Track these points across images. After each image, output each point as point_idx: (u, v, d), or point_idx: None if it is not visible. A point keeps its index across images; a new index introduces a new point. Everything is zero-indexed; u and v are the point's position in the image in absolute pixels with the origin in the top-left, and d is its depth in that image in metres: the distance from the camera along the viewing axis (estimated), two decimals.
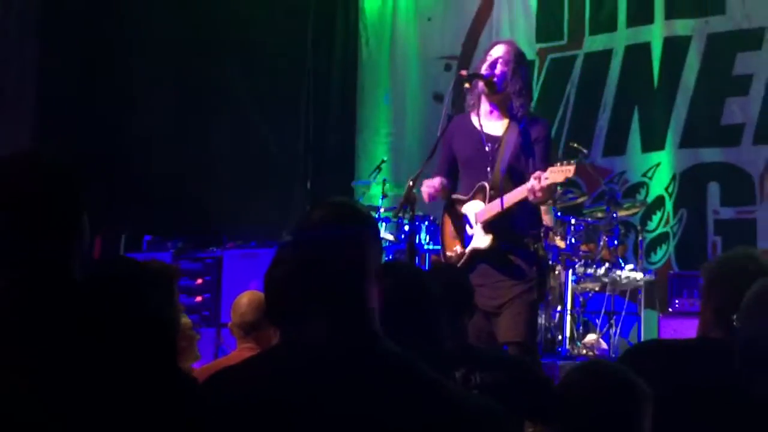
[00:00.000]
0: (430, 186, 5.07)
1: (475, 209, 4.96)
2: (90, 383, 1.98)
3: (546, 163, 4.81)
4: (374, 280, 2.02)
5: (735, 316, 2.27)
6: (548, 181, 4.58)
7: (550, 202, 7.43)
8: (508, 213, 4.82)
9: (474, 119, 5.05)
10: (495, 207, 4.83)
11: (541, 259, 5.00)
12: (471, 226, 4.98)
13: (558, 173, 4.58)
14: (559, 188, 7.57)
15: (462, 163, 5.12)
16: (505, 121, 5.00)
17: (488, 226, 4.89)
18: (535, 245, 4.95)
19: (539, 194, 4.64)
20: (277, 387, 1.86)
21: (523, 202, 4.80)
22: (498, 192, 4.85)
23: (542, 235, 5.19)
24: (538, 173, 4.62)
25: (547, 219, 7.50)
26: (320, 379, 1.85)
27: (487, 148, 4.95)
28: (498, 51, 5.01)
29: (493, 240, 4.87)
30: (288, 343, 2.03)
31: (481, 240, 4.91)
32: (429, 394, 1.86)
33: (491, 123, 5.04)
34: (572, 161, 4.54)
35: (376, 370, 1.88)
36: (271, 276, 3.14)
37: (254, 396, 1.87)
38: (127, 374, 2.04)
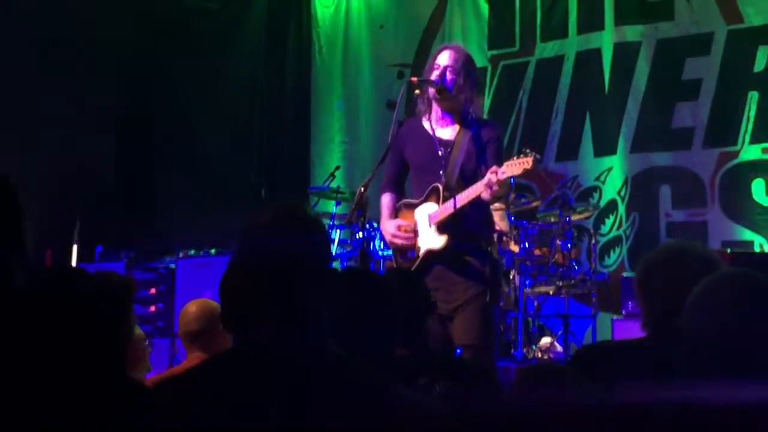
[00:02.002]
0: (399, 236, 5.06)
1: (428, 211, 4.96)
2: (29, 396, 1.95)
3: (499, 163, 4.80)
4: (322, 285, 2.01)
5: (676, 319, 2.26)
6: (505, 175, 4.58)
7: (503, 206, 7.50)
8: (462, 214, 4.82)
9: (426, 124, 5.05)
10: (449, 207, 4.84)
11: (495, 261, 4.99)
12: (424, 229, 4.97)
13: (515, 166, 4.58)
14: (512, 193, 7.70)
15: (414, 168, 5.12)
16: (457, 127, 5.01)
17: (442, 227, 4.89)
18: (489, 247, 4.95)
19: (495, 188, 4.62)
20: (219, 393, 1.85)
21: (476, 204, 4.80)
22: (452, 193, 4.85)
23: (495, 238, 5.19)
24: (494, 168, 4.62)
25: (502, 224, 7.54)
26: (262, 385, 1.84)
27: (440, 153, 4.95)
28: (445, 58, 5.00)
29: (447, 240, 4.86)
30: (234, 350, 2.02)
31: (435, 241, 4.90)
32: (371, 398, 1.85)
33: (443, 128, 5.04)
34: (529, 153, 4.53)
35: (319, 375, 1.87)
36: (222, 283, 3.13)
37: (197, 403, 1.85)
38: (70, 385, 2.01)
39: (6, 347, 1.97)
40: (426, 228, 4.95)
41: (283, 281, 1.97)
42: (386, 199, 5.15)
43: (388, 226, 5.08)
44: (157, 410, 1.88)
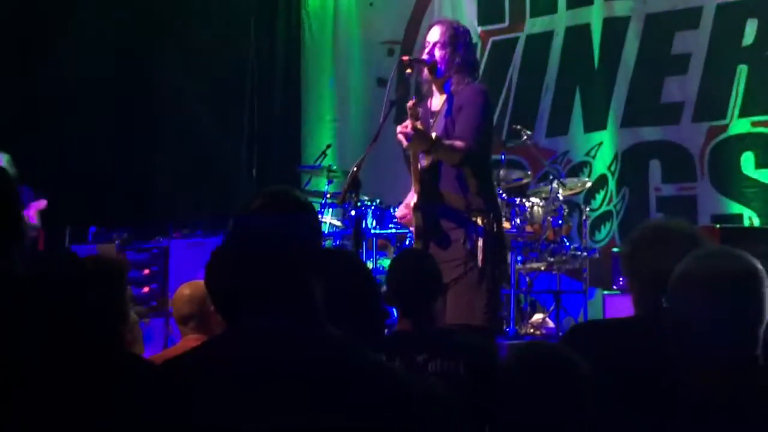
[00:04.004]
0: (402, 218, 5.06)
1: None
2: (34, 378, 1.98)
3: (470, 126, 4.76)
4: (314, 267, 2.03)
5: (663, 298, 2.29)
6: (410, 126, 4.58)
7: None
8: (432, 175, 4.80)
9: (429, 102, 5.07)
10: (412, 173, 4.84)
11: (490, 234, 4.78)
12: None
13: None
14: (503, 170, 7.71)
15: None
16: (444, 95, 5.00)
17: (418, 195, 4.83)
18: (483, 219, 4.78)
19: (404, 140, 4.63)
20: (221, 375, 1.88)
21: (451, 170, 4.77)
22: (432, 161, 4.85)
23: (495, 208, 5.01)
24: (406, 122, 4.62)
25: None
26: (263, 367, 1.87)
27: (429, 124, 4.94)
28: (434, 35, 5.00)
29: (417, 199, 4.80)
30: (231, 333, 2.05)
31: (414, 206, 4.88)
32: (371, 379, 1.87)
33: (436, 101, 5.04)
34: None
35: (319, 356, 1.89)
36: (210, 267, 3.15)
37: (199, 384, 1.88)
38: (72, 367, 2.04)
39: (8, 332, 2.00)
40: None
41: (275, 264, 1.99)
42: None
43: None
44: (155, 392, 1.91)
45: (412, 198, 4.92)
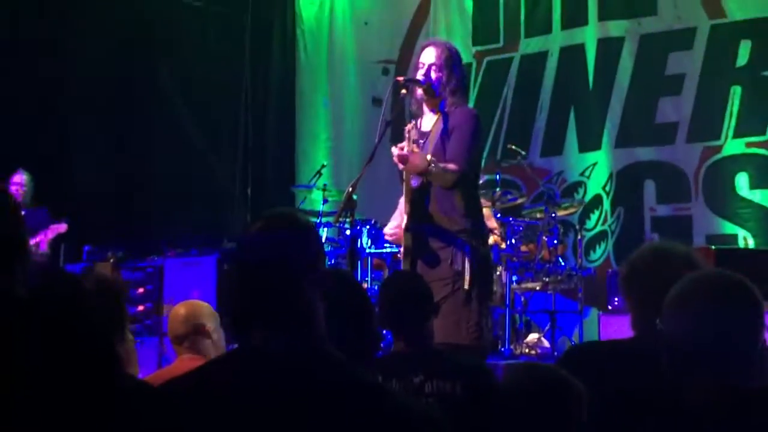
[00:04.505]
0: (388, 233, 5.07)
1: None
2: (32, 397, 1.97)
3: (462, 149, 4.79)
4: (317, 287, 2.03)
5: (658, 320, 2.28)
6: (407, 148, 4.61)
7: (489, 203, 7.53)
8: (423, 197, 4.81)
9: (419, 123, 5.07)
10: (404, 194, 4.86)
11: (477, 254, 4.80)
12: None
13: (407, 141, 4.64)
14: (498, 190, 7.73)
15: None
16: (435, 116, 5.01)
17: (408, 216, 4.85)
18: (471, 240, 4.80)
19: (400, 162, 4.68)
20: (219, 397, 1.87)
21: (442, 191, 4.79)
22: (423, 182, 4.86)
23: (481, 229, 5.06)
24: (402, 144, 4.66)
25: (490, 222, 7.58)
26: (262, 389, 1.86)
27: (419, 145, 4.95)
28: (429, 56, 5.00)
29: (407, 220, 4.81)
30: (232, 354, 2.05)
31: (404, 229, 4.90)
32: (371, 402, 1.87)
33: (427, 122, 5.05)
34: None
35: (319, 378, 1.89)
36: (221, 286, 3.15)
37: (197, 406, 1.87)
38: (71, 387, 2.04)
39: (10, 353, 1.99)
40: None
41: (276, 284, 1.99)
42: (401, 199, 5.12)
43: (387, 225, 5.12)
44: (160, 412, 1.91)
45: (401, 217, 4.94)
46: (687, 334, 2.22)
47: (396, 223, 5.02)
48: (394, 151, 4.65)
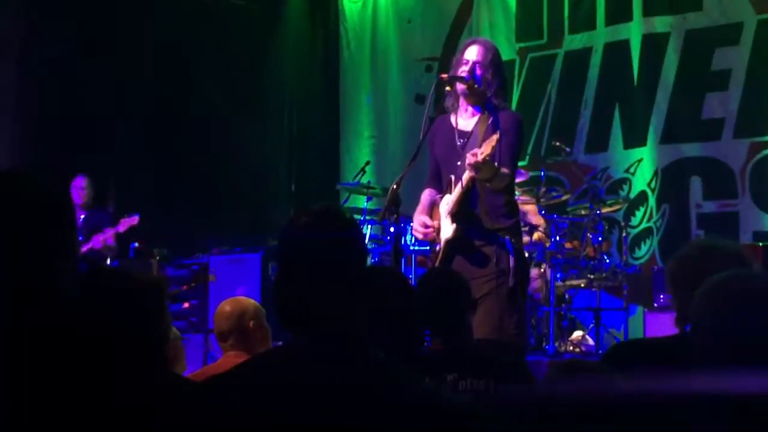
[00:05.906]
0: (419, 231, 5.09)
1: (446, 202, 4.98)
2: (77, 399, 2.00)
3: (512, 154, 4.83)
4: (360, 285, 2.04)
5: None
6: (483, 155, 4.57)
7: (534, 200, 7.51)
8: (472, 200, 4.84)
9: (452, 118, 5.07)
10: (456, 194, 4.86)
11: (517, 251, 4.88)
12: (443, 221, 4.98)
13: (487, 145, 4.58)
14: (543, 187, 7.70)
15: (440, 163, 5.13)
16: (478, 116, 5.00)
17: (454, 215, 4.89)
18: (512, 238, 4.88)
19: (475, 171, 4.65)
20: (263, 393, 1.89)
21: (491, 192, 4.82)
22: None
23: (520, 228, 5.11)
24: (474, 150, 4.63)
25: (535, 219, 7.57)
26: (305, 385, 1.87)
27: (458, 143, 4.96)
28: (473, 53, 4.99)
29: (457, 228, 4.85)
30: (272, 352, 2.06)
31: (448, 230, 4.89)
32: (416, 400, 1.88)
33: (465, 120, 5.04)
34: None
35: (361, 376, 1.90)
36: (266, 283, 3.16)
37: (241, 403, 1.89)
38: (116, 385, 2.06)
39: (51, 351, 2.02)
40: (444, 219, 4.97)
41: (321, 281, 1.99)
42: (423, 195, 5.15)
43: (414, 221, 5.12)
44: (203, 408, 1.93)
45: (425, 213, 5.02)
46: (715, 331, 2.18)
47: (424, 220, 5.04)
48: (470, 158, 4.62)
